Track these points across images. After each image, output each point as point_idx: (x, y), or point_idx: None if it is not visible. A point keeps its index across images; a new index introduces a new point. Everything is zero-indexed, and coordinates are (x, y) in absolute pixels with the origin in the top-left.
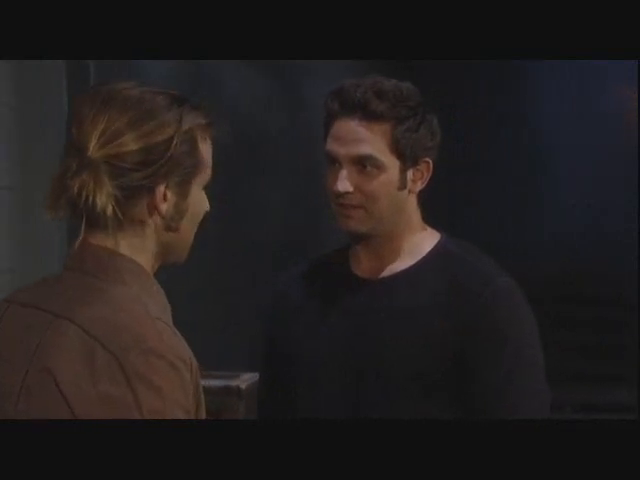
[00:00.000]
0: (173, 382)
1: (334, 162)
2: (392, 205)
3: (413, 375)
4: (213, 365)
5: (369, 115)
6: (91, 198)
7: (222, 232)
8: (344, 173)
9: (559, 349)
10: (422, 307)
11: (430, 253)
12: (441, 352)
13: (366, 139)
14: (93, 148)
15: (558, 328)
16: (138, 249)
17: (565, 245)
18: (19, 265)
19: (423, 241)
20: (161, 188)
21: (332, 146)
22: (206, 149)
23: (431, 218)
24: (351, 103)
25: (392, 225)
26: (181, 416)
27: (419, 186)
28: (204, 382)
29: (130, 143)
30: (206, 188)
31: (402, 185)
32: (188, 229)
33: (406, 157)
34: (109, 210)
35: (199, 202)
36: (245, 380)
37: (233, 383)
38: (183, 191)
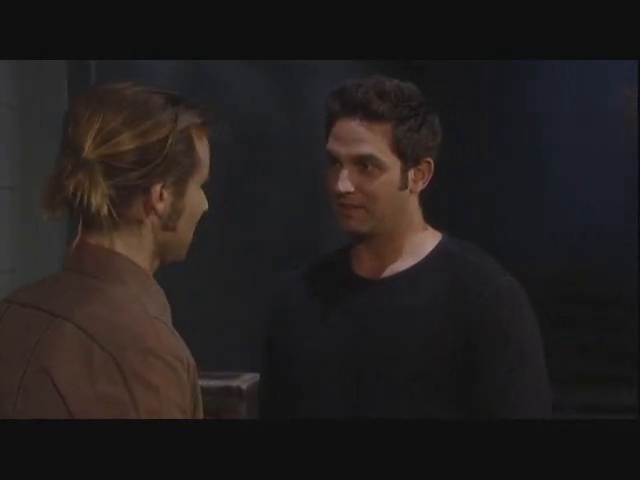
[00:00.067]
0: (170, 382)
1: (335, 162)
2: (393, 205)
3: (414, 375)
4: (213, 365)
5: (370, 115)
6: (86, 198)
7: (222, 232)
8: (345, 173)
9: (559, 349)
10: (423, 307)
11: (431, 253)
12: (442, 352)
13: (367, 139)
14: (88, 148)
15: (558, 328)
16: (135, 248)
17: (565, 245)
18: (19, 265)
19: (424, 241)
20: (157, 187)
21: (333, 146)
22: (203, 148)
23: (432, 218)
24: (352, 103)
25: (393, 225)
26: (178, 416)
27: (420, 186)
28: (205, 382)
29: (126, 143)
30: (205, 187)
31: (403, 185)
32: (186, 228)
33: (407, 157)
34: (104, 210)
35: (197, 201)
36: (246, 380)
37: (234, 383)
38: (180, 190)
